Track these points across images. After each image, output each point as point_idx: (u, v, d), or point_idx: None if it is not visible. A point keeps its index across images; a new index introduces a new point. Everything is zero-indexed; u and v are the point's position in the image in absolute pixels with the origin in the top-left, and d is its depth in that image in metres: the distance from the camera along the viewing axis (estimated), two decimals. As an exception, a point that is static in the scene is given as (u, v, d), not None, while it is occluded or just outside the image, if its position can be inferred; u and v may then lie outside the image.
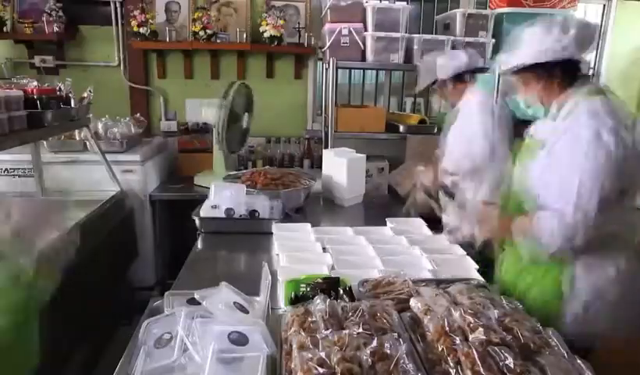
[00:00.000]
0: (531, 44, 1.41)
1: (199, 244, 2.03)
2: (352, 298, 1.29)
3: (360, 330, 1.06)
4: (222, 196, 2.14)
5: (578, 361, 1.00)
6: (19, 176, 2.80)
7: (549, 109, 1.47)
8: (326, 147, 3.16)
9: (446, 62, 2.38)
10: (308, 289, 1.36)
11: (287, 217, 2.27)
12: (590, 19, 4.10)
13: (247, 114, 2.98)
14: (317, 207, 2.63)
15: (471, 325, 1.06)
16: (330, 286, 1.37)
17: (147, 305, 1.35)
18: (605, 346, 1.45)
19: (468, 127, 2.22)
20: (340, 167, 2.57)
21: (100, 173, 2.72)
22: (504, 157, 1.93)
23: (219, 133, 2.87)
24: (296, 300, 1.31)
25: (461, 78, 2.36)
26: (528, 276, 1.50)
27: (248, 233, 2.07)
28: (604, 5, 4.07)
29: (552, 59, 1.37)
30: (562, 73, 1.43)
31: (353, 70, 3.80)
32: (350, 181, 2.57)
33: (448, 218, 1.81)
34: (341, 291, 1.31)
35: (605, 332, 1.44)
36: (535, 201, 1.42)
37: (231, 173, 2.78)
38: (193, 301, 1.20)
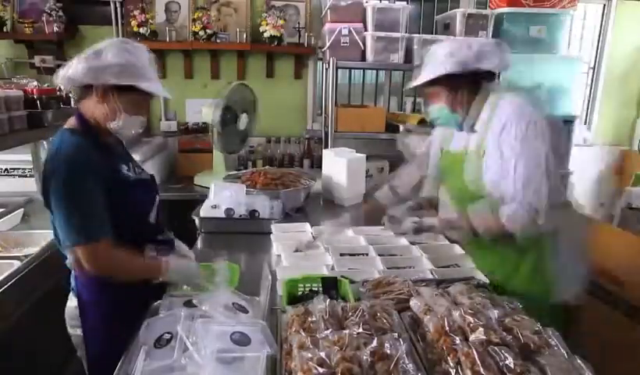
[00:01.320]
0: (435, 60, 1.56)
1: (199, 244, 2.03)
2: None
3: (360, 330, 1.05)
4: (222, 196, 2.14)
5: (578, 361, 1.00)
6: (19, 176, 2.80)
7: (458, 117, 1.61)
8: (326, 147, 3.16)
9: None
10: (306, 289, 1.36)
11: (287, 217, 2.27)
12: (589, 19, 4.12)
13: (245, 115, 2.97)
14: (317, 207, 2.63)
15: (471, 325, 1.06)
16: (328, 286, 1.37)
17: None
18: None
19: None
20: (340, 167, 2.57)
21: (100, 173, 2.71)
22: None
23: (213, 133, 2.86)
24: (294, 300, 1.30)
25: None
26: (505, 264, 1.61)
27: (248, 233, 2.07)
28: (604, 5, 4.07)
29: (453, 72, 1.51)
30: (467, 84, 1.57)
31: (353, 70, 3.80)
32: (350, 181, 2.57)
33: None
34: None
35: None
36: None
37: (231, 173, 2.78)
38: (189, 304, 1.20)
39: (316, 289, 1.34)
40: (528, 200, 1.43)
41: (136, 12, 3.19)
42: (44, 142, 2.78)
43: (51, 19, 3.20)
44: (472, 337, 1.02)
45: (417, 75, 1.61)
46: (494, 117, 1.52)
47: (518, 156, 1.44)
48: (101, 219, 1.30)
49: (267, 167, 3.11)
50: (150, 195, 1.56)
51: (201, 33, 3.29)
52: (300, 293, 1.35)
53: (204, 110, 3.02)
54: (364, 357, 0.95)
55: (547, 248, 1.56)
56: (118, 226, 1.35)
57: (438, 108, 1.62)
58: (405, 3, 3.63)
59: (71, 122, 1.42)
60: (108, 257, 1.31)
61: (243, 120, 2.95)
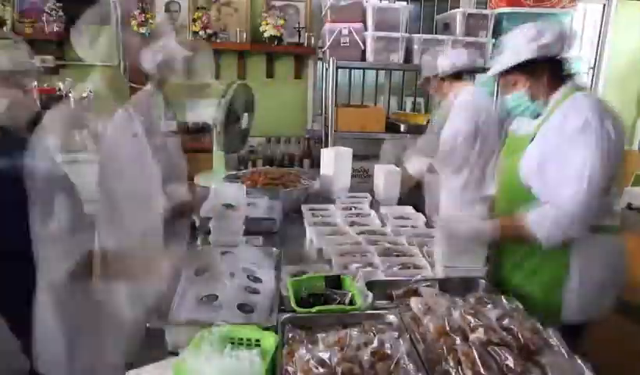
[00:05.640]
0: (512, 47, 1.50)
1: (199, 244, 2.03)
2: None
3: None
4: (222, 196, 2.14)
5: (578, 361, 1.00)
6: (19, 176, 2.79)
7: (539, 106, 1.53)
8: (326, 147, 3.16)
9: (446, 59, 2.42)
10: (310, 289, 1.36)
11: (287, 217, 2.27)
12: (589, 19, 4.12)
13: (246, 114, 2.97)
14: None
15: (471, 325, 1.06)
16: (331, 284, 1.38)
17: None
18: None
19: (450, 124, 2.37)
20: (328, 160, 2.60)
21: (100, 173, 2.71)
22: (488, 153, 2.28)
23: (217, 133, 2.85)
24: (301, 301, 1.30)
25: (458, 76, 2.39)
26: (522, 270, 1.55)
27: (248, 233, 2.07)
28: (604, 5, 4.07)
29: (531, 58, 1.45)
30: (548, 72, 1.49)
31: (353, 70, 3.80)
32: (336, 173, 2.58)
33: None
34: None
35: (599, 313, 1.55)
36: (527, 196, 1.47)
37: (231, 173, 2.78)
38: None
39: (319, 293, 1.35)
40: (563, 206, 1.35)
41: (136, 12, 3.19)
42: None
43: (51, 18, 3.20)
44: (472, 337, 1.02)
45: (496, 61, 1.55)
46: (557, 109, 1.44)
47: (565, 157, 1.36)
48: None
49: (267, 167, 3.11)
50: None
51: (201, 33, 3.28)
52: (303, 291, 1.35)
53: (203, 110, 3.02)
54: (365, 357, 0.95)
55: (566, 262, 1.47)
56: None
57: (517, 96, 1.55)
58: (405, 3, 3.63)
59: None
60: None
61: (245, 120, 2.94)
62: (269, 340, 1.05)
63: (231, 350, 1.00)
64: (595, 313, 1.53)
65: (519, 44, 1.46)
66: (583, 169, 1.33)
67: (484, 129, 2.31)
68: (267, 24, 3.33)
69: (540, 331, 1.10)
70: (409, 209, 2.26)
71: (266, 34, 3.35)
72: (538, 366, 0.97)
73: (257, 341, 1.07)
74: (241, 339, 1.08)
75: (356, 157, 2.72)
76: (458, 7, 3.54)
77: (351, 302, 1.29)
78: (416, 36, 3.08)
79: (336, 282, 1.40)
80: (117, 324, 1.28)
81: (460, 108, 2.35)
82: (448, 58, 2.42)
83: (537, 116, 1.55)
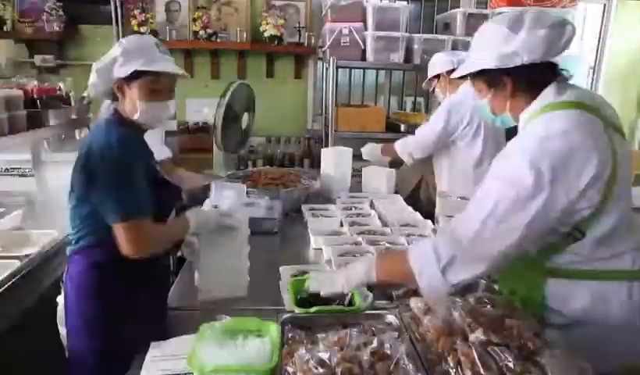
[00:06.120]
0: (480, 47, 1.18)
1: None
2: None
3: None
4: (222, 196, 2.14)
5: (578, 361, 1.00)
6: (19, 176, 2.79)
7: (497, 120, 1.25)
8: (326, 146, 3.16)
9: (445, 58, 2.44)
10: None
11: (287, 217, 2.27)
12: (591, 18, 4.12)
13: (246, 114, 2.97)
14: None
15: (471, 325, 1.06)
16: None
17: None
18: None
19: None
20: (329, 159, 2.62)
21: (100, 173, 2.71)
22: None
23: (217, 133, 2.85)
24: (301, 301, 1.30)
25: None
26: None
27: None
28: (604, 5, 4.07)
29: (498, 67, 1.10)
30: (517, 82, 1.15)
31: (353, 70, 3.80)
32: (337, 172, 2.60)
33: None
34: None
35: None
36: None
37: (231, 173, 2.78)
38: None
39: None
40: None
41: (136, 12, 3.19)
42: (45, 141, 2.78)
43: (51, 18, 3.21)
44: (472, 337, 1.02)
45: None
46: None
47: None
48: (146, 200, 1.33)
49: (267, 167, 3.11)
50: (171, 201, 1.56)
51: (202, 32, 3.29)
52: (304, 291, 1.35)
53: (206, 110, 3.02)
54: (364, 357, 0.95)
55: None
56: None
57: (482, 105, 1.24)
58: (405, 3, 3.63)
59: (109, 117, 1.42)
60: (149, 234, 1.33)
61: (245, 120, 2.95)
62: (272, 329, 1.09)
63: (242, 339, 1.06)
64: None
65: (488, 46, 1.16)
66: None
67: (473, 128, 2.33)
68: (267, 24, 3.33)
69: (540, 331, 1.09)
70: (409, 209, 2.26)
71: (266, 34, 3.35)
72: (538, 366, 0.96)
73: (259, 331, 1.10)
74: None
75: (356, 157, 2.72)
76: (458, 7, 3.54)
77: (351, 302, 1.29)
78: (416, 36, 3.08)
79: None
80: None
81: (449, 106, 2.37)
82: (451, 56, 2.44)
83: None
